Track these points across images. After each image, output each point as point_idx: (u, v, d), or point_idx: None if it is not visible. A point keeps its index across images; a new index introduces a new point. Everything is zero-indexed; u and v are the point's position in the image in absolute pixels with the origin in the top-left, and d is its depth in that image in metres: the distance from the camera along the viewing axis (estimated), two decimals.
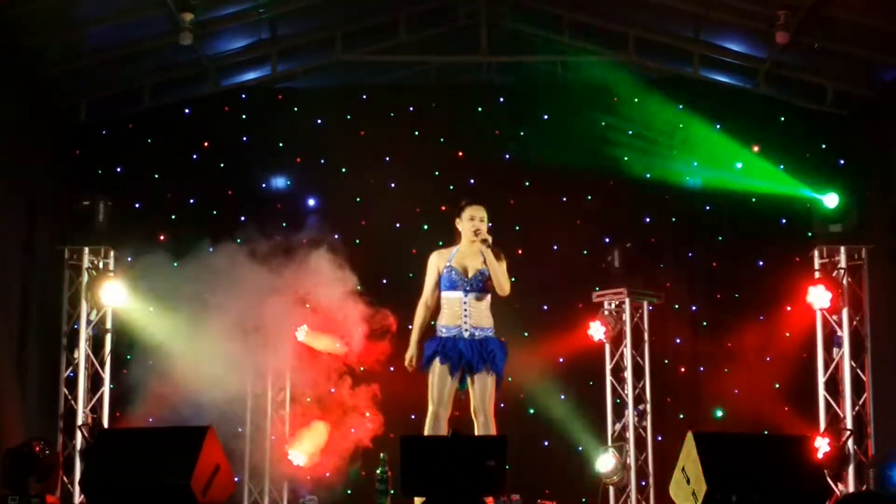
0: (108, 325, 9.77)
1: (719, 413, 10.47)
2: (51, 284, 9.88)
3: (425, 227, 10.55)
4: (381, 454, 7.73)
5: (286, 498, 10.03)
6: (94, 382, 9.75)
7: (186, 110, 11.06)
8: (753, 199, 10.69)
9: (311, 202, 10.90)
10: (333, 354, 9.88)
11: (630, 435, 10.02)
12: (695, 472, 6.79)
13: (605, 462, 9.95)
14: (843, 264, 9.62)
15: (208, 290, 9.49)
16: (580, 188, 10.88)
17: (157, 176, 10.90)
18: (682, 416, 10.48)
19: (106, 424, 9.63)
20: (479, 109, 11.20)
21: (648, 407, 10.12)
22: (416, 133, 11.05)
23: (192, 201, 10.88)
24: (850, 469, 9.37)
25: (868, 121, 10.36)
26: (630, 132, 10.89)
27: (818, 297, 9.57)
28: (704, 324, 10.72)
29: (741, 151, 10.71)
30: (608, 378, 10.25)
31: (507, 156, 11.05)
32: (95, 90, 10.63)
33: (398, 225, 10.78)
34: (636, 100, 10.87)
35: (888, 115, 9.92)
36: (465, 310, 7.54)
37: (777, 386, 10.35)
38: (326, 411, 9.93)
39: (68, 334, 9.77)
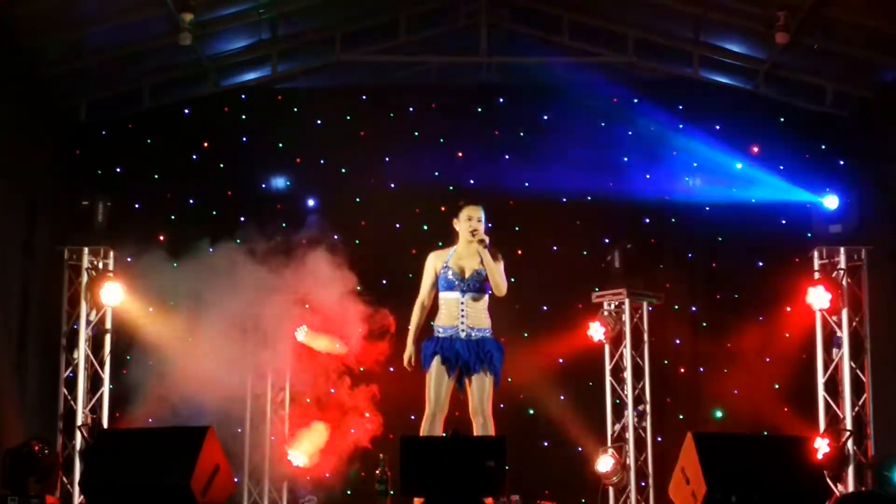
0: (108, 325, 9.76)
1: (719, 414, 10.47)
2: (50, 284, 9.87)
3: (425, 227, 10.55)
4: (381, 454, 7.73)
5: (286, 498, 10.03)
6: (94, 383, 9.75)
7: (186, 110, 11.06)
8: (753, 200, 10.70)
9: (311, 202, 10.90)
10: (333, 355, 9.88)
11: (630, 435, 10.02)
12: (694, 473, 6.80)
13: (604, 462, 9.97)
14: (842, 265, 9.62)
15: (208, 291, 9.49)
16: (580, 188, 10.88)
17: (156, 176, 10.89)
18: (681, 417, 10.48)
19: (105, 425, 9.63)
20: (479, 110, 11.20)
21: (648, 407, 10.11)
22: (416, 133, 11.05)
23: (191, 201, 10.87)
24: (850, 470, 9.37)
25: (868, 122, 10.35)
26: (630, 132, 10.90)
27: (818, 297, 9.57)
28: (704, 324, 10.72)
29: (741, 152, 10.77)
30: (608, 378, 10.25)
31: (507, 156, 11.04)
32: (95, 90, 10.63)
33: (398, 225, 10.78)
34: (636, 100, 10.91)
35: (888, 116, 9.92)
36: (463, 310, 7.55)
37: (777, 386, 10.35)
38: (326, 412, 9.93)
39: (68, 334, 9.77)
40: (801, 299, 9.70)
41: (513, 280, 10.14)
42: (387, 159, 10.89)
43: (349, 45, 10.83)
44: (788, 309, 10.20)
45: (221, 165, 10.99)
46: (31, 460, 8.69)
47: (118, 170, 10.87)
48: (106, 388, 9.73)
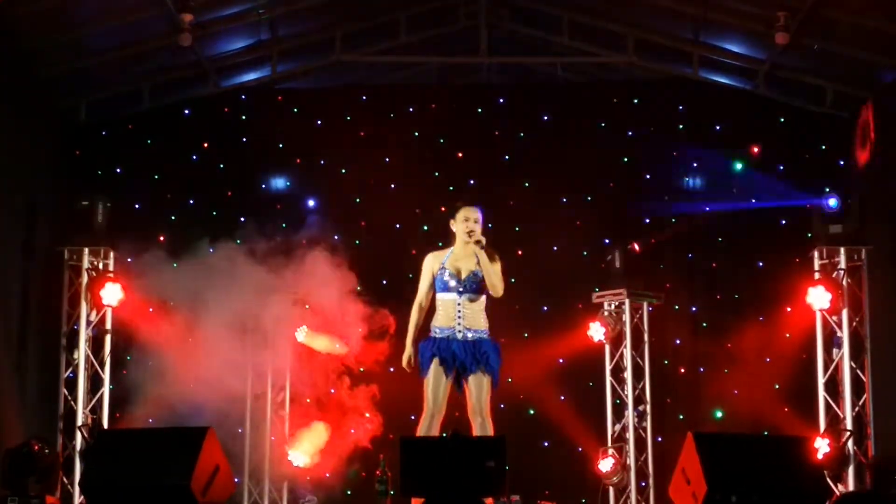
0: (108, 325, 9.76)
1: (719, 414, 10.47)
2: (50, 285, 9.87)
3: (425, 227, 10.55)
4: (381, 455, 7.72)
5: (286, 498, 10.03)
6: (94, 383, 9.75)
7: (186, 111, 11.06)
8: (753, 200, 10.71)
9: (311, 203, 10.90)
10: (333, 355, 9.88)
11: (630, 436, 10.02)
12: (695, 473, 6.79)
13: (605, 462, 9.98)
14: (842, 265, 9.62)
15: (208, 291, 9.48)
16: (580, 189, 10.88)
17: (156, 176, 10.89)
18: (681, 417, 10.48)
19: (106, 425, 9.63)
20: (479, 110, 11.20)
21: (648, 408, 10.12)
22: (416, 134, 11.05)
23: (191, 202, 10.88)
24: (850, 470, 9.37)
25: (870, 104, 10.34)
26: (630, 132, 10.90)
27: (818, 297, 9.57)
28: (704, 324, 10.72)
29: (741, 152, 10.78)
30: (608, 379, 10.25)
31: (507, 156, 11.05)
32: (95, 90, 10.64)
33: (398, 225, 10.79)
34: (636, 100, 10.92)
35: (888, 117, 9.91)
36: (460, 311, 7.56)
37: (777, 387, 10.34)
38: (326, 412, 9.93)
39: (68, 335, 9.77)
40: (802, 299, 9.70)
41: (513, 280, 10.14)
42: (387, 159, 10.89)
43: (349, 45, 10.83)
44: (789, 309, 10.20)
45: (221, 166, 10.99)
46: (30, 460, 8.69)
47: (118, 170, 10.87)
48: (106, 389, 9.72)
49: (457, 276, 7.58)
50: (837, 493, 8.99)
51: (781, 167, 10.75)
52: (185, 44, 9.51)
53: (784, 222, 10.63)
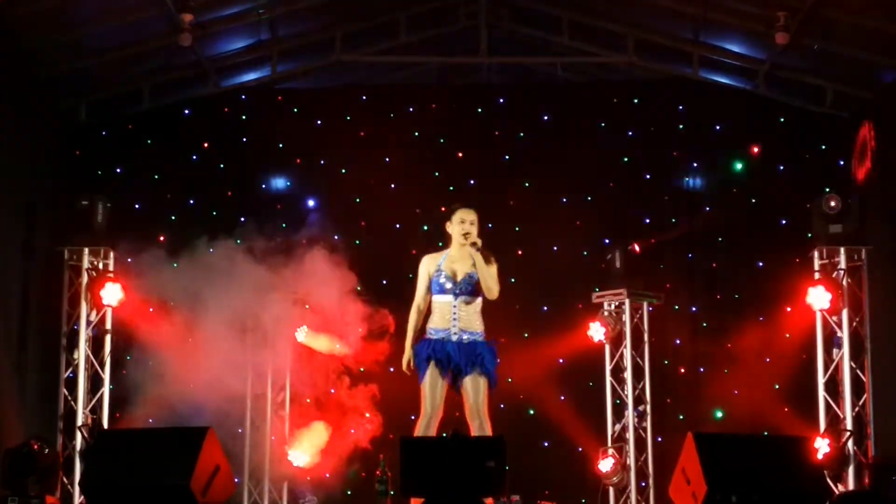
0: (108, 325, 9.76)
1: (719, 414, 10.47)
2: (50, 285, 9.87)
3: (425, 227, 10.54)
4: (381, 455, 7.72)
5: (286, 499, 10.02)
6: (94, 383, 9.74)
7: (186, 111, 11.06)
8: (753, 200, 10.71)
9: (311, 203, 10.90)
10: (333, 355, 9.88)
11: (630, 436, 10.02)
12: (695, 473, 6.79)
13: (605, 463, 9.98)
14: (842, 265, 9.61)
15: (208, 291, 9.48)
16: (580, 189, 10.88)
17: (156, 176, 10.90)
18: (681, 417, 10.48)
19: (106, 425, 9.62)
20: (479, 110, 11.20)
21: (648, 408, 10.11)
22: (416, 134, 11.05)
23: (191, 202, 10.88)
24: (850, 470, 9.36)
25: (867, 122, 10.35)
26: (630, 133, 10.90)
27: (818, 297, 9.56)
28: (704, 324, 10.72)
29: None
30: (608, 379, 10.25)
31: (507, 156, 11.05)
32: (95, 90, 10.64)
33: (398, 225, 10.79)
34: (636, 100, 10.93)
35: (888, 117, 9.91)
36: (455, 314, 7.57)
37: (777, 387, 10.34)
38: (326, 412, 9.93)
39: (68, 335, 9.76)
40: (802, 299, 9.69)
41: (512, 280, 10.18)
42: (387, 159, 10.89)
43: (349, 45, 10.83)
44: (789, 309, 10.19)
45: (221, 166, 10.99)
46: (30, 459, 8.68)
47: (118, 170, 10.88)
48: (106, 389, 9.72)
49: (452, 278, 7.58)
50: (837, 494, 8.99)
51: (781, 167, 10.75)
52: (185, 44, 9.52)
53: (784, 222, 10.64)
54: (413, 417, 7.66)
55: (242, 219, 10.38)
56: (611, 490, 10.08)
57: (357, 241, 10.64)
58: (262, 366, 9.95)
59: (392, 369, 9.59)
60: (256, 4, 9.98)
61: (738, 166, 10.83)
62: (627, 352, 10.14)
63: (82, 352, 9.65)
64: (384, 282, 10.37)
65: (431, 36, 11.17)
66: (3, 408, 9.13)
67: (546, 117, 11.12)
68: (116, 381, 9.85)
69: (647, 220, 10.87)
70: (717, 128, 10.90)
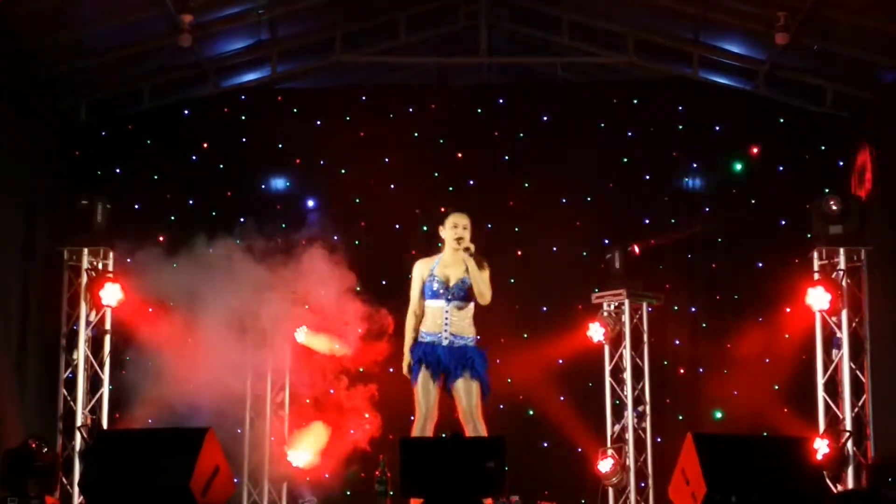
0: (108, 326, 9.76)
1: (718, 414, 10.46)
2: (50, 285, 9.87)
3: (424, 228, 10.54)
4: (380, 455, 7.72)
5: (285, 499, 10.03)
6: (94, 383, 9.74)
7: (186, 111, 11.06)
8: (753, 201, 10.71)
9: (311, 203, 10.90)
10: (332, 355, 9.88)
11: (629, 436, 10.02)
12: (694, 474, 6.79)
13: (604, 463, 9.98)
14: (842, 266, 9.61)
15: (208, 291, 9.48)
16: (580, 189, 10.88)
17: (156, 177, 10.90)
18: (681, 418, 10.48)
19: (105, 426, 9.62)
20: (479, 111, 11.20)
21: (648, 408, 10.11)
22: (416, 134, 11.05)
23: (191, 202, 10.88)
24: (850, 470, 9.36)
25: (868, 122, 10.35)
26: (630, 133, 10.90)
27: (817, 298, 9.56)
28: (704, 325, 10.71)
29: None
30: (607, 379, 10.25)
31: (507, 157, 11.05)
32: (95, 90, 10.64)
33: (397, 226, 10.78)
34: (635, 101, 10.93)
35: (888, 117, 9.91)
36: (447, 318, 7.58)
37: (776, 387, 10.34)
38: (325, 412, 9.93)
39: (67, 335, 9.76)
40: (801, 300, 9.69)
41: (512, 281, 10.19)
42: (386, 160, 10.89)
43: (349, 45, 10.83)
44: (788, 310, 10.19)
45: (221, 166, 10.99)
46: (29, 458, 8.68)
47: (118, 170, 10.88)
48: (105, 389, 9.72)
49: (445, 283, 7.59)
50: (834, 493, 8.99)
51: (781, 168, 10.75)
52: (185, 45, 9.51)
53: (784, 223, 10.64)
54: (412, 418, 7.67)
55: (242, 219, 10.37)
56: (610, 490, 10.08)
57: (357, 241, 10.64)
58: (261, 366, 9.96)
59: (391, 370, 9.59)
60: (256, 5, 9.98)
61: (738, 167, 10.83)
62: (627, 352, 10.14)
63: (82, 352, 9.65)
64: (383, 282, 10.36)
65: (431, 36, 11.17)
66: (3, 408, 9.12)
67: (546, 117, 11.12)
68: (116, 381, 9.86)
69: (647, 221, 10.87)
70: (717, 128, 10.89)
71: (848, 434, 9.41)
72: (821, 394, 9.61)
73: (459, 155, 11.04)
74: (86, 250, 9.72)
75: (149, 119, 10.89)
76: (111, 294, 9.60)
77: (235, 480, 9.11)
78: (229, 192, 10.86)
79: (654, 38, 10.71)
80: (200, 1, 9.44)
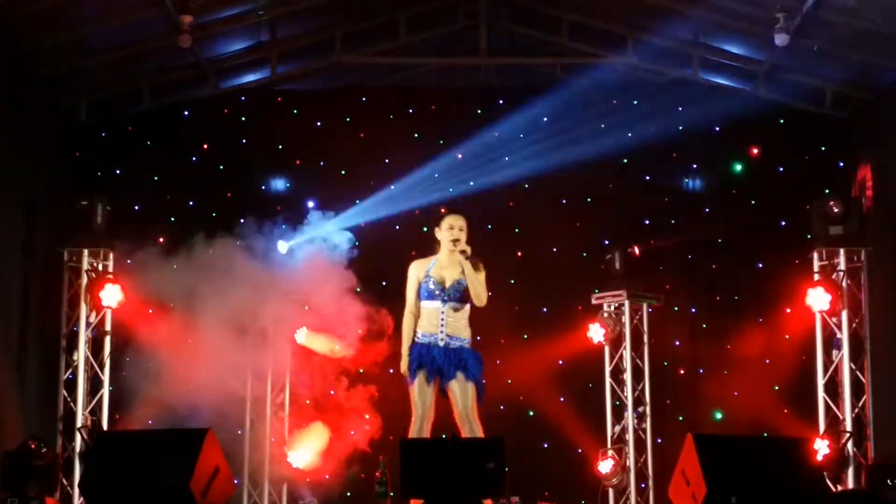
0: (108, 327, 9.76)
1: (719, 415, 10.47)
2: (50, 286, 9.87)
3: (424, 228, 10.52)
4: (381, 456, 7.72)
5: (285, 500, 10.03)
6: (94, 384, 9.74)
7: (186, 112, 11.06)
8: (753, 202, 10.71)
9: (311, 204, 10.89)
10: (333, 357, 9.87)
11: (629, 437, 10.02)
12: (694, 475, 6.79)
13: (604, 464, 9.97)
14: (842, 266, 9.62)
15: (207, 292, 9.48)
16: (580, 189, 10.88)
17: (156, 178, 10.89)
18: (681, 419, 10.48)
19: (105, 427, 9.62)
20: (479, 111, 11.19)
21: (648, 409, 10.11)
22: (416, 135, 11.04)
23: (191, 203, 10.87)
24: (850, 471, 9.37)
25: (867, 123, 10.35)
26: (630, 134, 10.89)
27: (817, 299, 9.57)
28: (704, 326, 10.71)
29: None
30: (607, 380, 10.25)
31: (507, 158, 11.03)
32: (95, 91, 10.63)
33: (397, 226, 10.78)
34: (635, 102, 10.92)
35: (888, 118, 9.91)
36: (443, 320, 7.59)
37: (776, 388, 10.34)
38: (326, 413, 9.93)
39: (67, 336, 9.76)
40: (801, 301, 9.70)
41: (512, 281, 10.19)
42: (386, 161, 10.88)
43: (349, 45, 10.83)
44: (788, 310, 10.20)
45: (221, 167, 10.99)
46: (29, 459, 8.67)
47: (118, 171, 10.87)
48: (106, 390, 9.72)
49: (441, 284, 7.59)
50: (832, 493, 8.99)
51: (781, 168, 10.75)
52: (185, 45, 9.50)
53: (784, 223, 10.64)
54: (413, 419, 7.67)
55: (242, 220, 10.36)
56: (610, 491, 10.08)
57: (356, 242, 10.62)
58: (261, 367, 9.95)
59: (392, 371, 9.58)
60: (256, 5, 9.98)
61: (738, 167, 10.83)
62: (627, 353, 10.14)
63: (82, 353, 9.65)
64: (384, 283, 10.35)
65: (431, 36, 11.16)
66: (3, 408, 9.11)
67: (546, 118, 11.10)
68: (116, 382, 9.85)
69: (647, 222, 10.87)
70: (717, 129, 10.89)
71: (848, 435, 9.42)
72: (821, 394, 9.61)
73: (459, 156, 11.03)
74: (86, 251, 9.72)
75: (149, 119, 10.88)
76: (111, 295, 9.60)
77: (235, 481, 9.09)
78: (229, 193, 10.85)
79: (654, 39, 10.70)
80: (200, 1, 9.43)
